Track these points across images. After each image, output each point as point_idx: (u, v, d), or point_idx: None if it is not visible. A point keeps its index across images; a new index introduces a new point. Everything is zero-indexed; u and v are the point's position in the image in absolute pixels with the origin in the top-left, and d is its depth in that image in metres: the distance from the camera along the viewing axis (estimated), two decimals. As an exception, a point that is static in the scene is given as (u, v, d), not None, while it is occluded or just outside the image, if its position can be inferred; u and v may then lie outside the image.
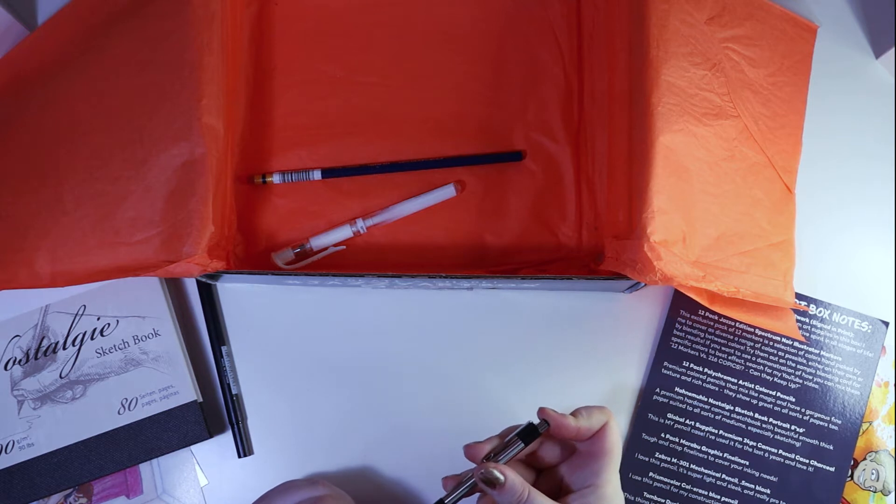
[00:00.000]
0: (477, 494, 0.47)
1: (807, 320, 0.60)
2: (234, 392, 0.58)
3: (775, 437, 0.58)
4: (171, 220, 0.50)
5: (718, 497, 0.57)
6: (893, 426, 0.59)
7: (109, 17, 0.56)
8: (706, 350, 0.59)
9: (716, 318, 0.59)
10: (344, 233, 0.59)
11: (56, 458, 0.56)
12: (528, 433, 0.47)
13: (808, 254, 0.59)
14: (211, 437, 0.57)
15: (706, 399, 0.59)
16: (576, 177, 0.60)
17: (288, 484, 0.52)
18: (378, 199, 0.60)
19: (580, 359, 0.59)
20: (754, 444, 0.58)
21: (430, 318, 0.59)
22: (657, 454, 0.58)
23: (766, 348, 0.59)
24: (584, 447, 0.48)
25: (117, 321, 0.58)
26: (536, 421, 0.47)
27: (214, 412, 0.58)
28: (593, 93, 0.60)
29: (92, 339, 0.58)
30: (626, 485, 0.57)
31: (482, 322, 0.60)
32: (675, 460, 0.58)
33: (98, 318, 0.58)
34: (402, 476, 0.58)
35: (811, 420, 0.58)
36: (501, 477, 0.44)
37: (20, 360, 0.58)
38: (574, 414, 0.47)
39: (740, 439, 0.58)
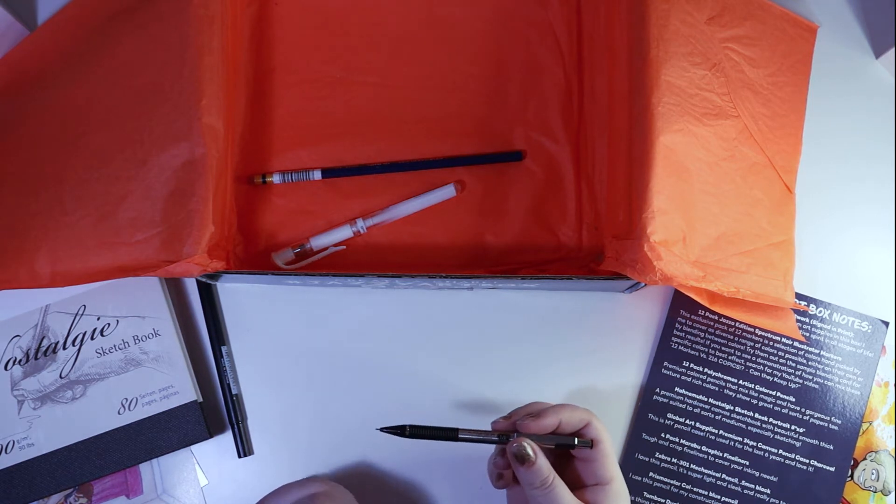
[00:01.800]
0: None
1: (807, 320, 0.60)
2: (234, 392, 0.58)
3: (775, 437, 0.58)
4: (171, 220, 0.50)
5: (718, 497, 0.57)
6: (893, 426, 0.59)
7: (109, 17, 0.56)
8: (706, 350, 0.59)
9: (716, 318, 0.59)
10: (344, 233, 0.59)
11: (56, 458, 0.56)
12: (564, 443, 0.48)
13: (808, 254, 0.59)
14: (211, 437, 0.57)
15: (706, 399, 0.59)
16: (576, 177, 0.60)
17: (283, 487, 0.52)
18: (378, 199, 0.60)
19: (580, 359, 0.59)
20: (754, 444, 0.58)
21: (430, 318, 0.59)
22: (657, 454, 0.58)
23: (766, 348, 0.59)
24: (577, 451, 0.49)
25: (117, 321, 0.58)
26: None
27: (214, 412, 0.58)
28: (593, 93, 0.60)
29: (92, 339, 0.58)
30: (627, 485, 0.57)
31: (482, 322, 0.60)
32: (675, 460, 0.58)
33: (98, 318, 0.58)
34: (403, 475, 0.58)
35: (811, 420, 0.58)
36: (532, 455, 0.45)
37: (20, 360, 0.58)
38: (555, 409, 0.48)
39: (740, 439, 0.58)
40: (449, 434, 0.47)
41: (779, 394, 0.59)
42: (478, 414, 0.58)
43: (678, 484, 0.58)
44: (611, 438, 0.48)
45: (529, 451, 0.45)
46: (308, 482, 0.52)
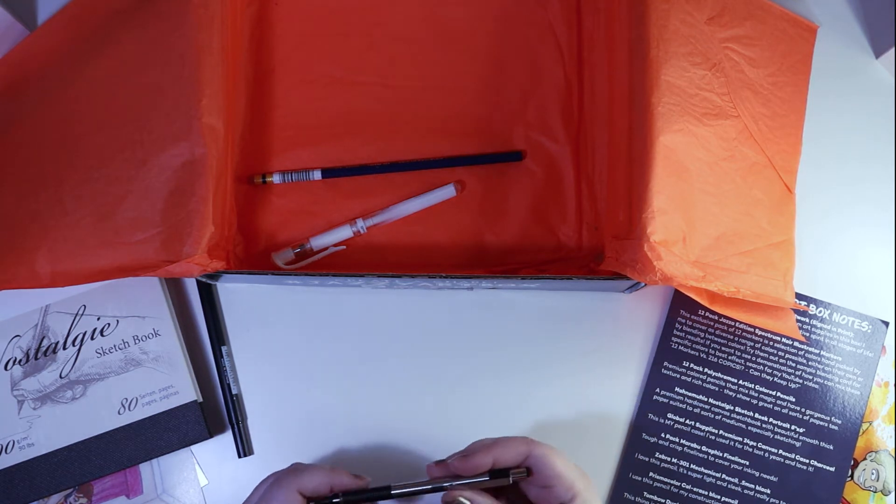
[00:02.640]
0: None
1: (807, 320, 0.60)
2: (234, 392, 0.58)
3: (775, 437, 0.58)
4: (171, 220, 0.50)
5: (718, 497, 0.57)
6: (893, 426, 0.59)
7: (109, 17, 0.56)
8: (706, 350, 0.59)
9: (716, 318, 0.59)
10: (344, 233, 0.59)
11: (56, 458, 0.56)
12: (498, 474, 0.47)
13: (808, 254, 0.59)
14: (211, 437, 0.57)
15: (706, 399, 0.59)
16: (576, 177, 0.60)
17: (266, 478, 0.52)
18: (378, 199, 0.60)
19: (580, 359, 0.59)
20: (754, 444, 0.58)
21: (430, 318, 0.59)
22: (657, 454, 0.58)
23: (766, 348, 0.59)
24: (529, 480, 0.48)
25: (117, 321, 0.58)
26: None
27: (214, 412, 0.58)
28: (593, 93, 0.60)
29: (92, 339, 0.58)
30: (627, 485, 0.57)
31: (482, 322, 0.60)
32: (675, 460, 0.58)
33: (98, 318, 0.58)
34: (403, 475, 0.57)
35: (811, 420, 0.58)
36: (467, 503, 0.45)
37: (20, 360, 0.58)
38: (487, 448, 0.47)
39: (740, 439, 0.58)
40: (382, 493, 0.48)
41: (779, 394, 0.59)
42: (478, 413, 0.58)
43: (678, 484, 0.58)
44: (564, 456, 0.47)
45: (465, 501, 0.45)
46: (285, 468, 0.52)
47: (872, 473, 0.58)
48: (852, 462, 0.58)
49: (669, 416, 0.58)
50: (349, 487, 0.48)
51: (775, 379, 0.59)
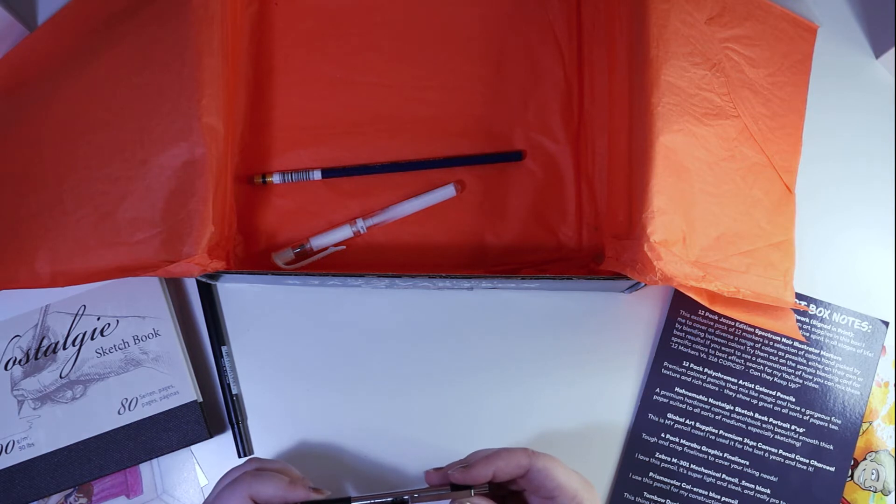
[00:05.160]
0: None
1: (807, 320, 0.60)
2: (234, 392, 0.58)
3: (775, 437, 0.58)
4: (171, 220, 0.50)
5: (718, 497, 0.57)
6: (893, 426, 0.59)
7: (109, 17, 0.56)
8: (706, 350, 0.59)
9: (716, 318, 0.59)
10: (344, 233, 0.59)
11: (56, 458, 0.56)
12: (457, 488, 0.47)
13: (808, 254, 0.59)
14: (211, 437, 0.57)
15: (706, 399, 0.59)
16: (576, 177, 0.60)
17: (225, 475, 0.51)
18: (378, 199, 0.60)
19: (580, 359, 0.59)
20: (754, 444, 0.58)
21: (430, 318, 0.59)
22: (657, 454, 0.58)
23: (766, 348, 0.59)
24: (529, 489, 0.48)
25: (117, 321, 0.58)
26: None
27: (214, 412, 0.58)
28: (593, 93, 0.60)
29: (92, 339, 0.58)
30: (627, 484, 0.57)
31: (482, 322, 0.60)
32: (675, 460, 0.58)
33: (98, 318, 0.58)
34: (402, 476, 0.58)
35: (811, 420, 0.58)
36: None
37: (20, 360, 0.58)
38: (489, 459, 0.47)
39: (740, 439, 0.58)
40: (341, 502, 0.47)
41: (779, 394, 0.59)
42: (478, 413, 0.58)
43: (678, 484, 0.58)
44: (565, 466, 0.48)
45: None
46: (240, 467, 0.51)
47: (872, 473, 0.58)
48: (852, 462, 0.58)
49: (669, 416, 0.58)
50: (305, 500, 0.47)
51: (775, 379, 0.59)
